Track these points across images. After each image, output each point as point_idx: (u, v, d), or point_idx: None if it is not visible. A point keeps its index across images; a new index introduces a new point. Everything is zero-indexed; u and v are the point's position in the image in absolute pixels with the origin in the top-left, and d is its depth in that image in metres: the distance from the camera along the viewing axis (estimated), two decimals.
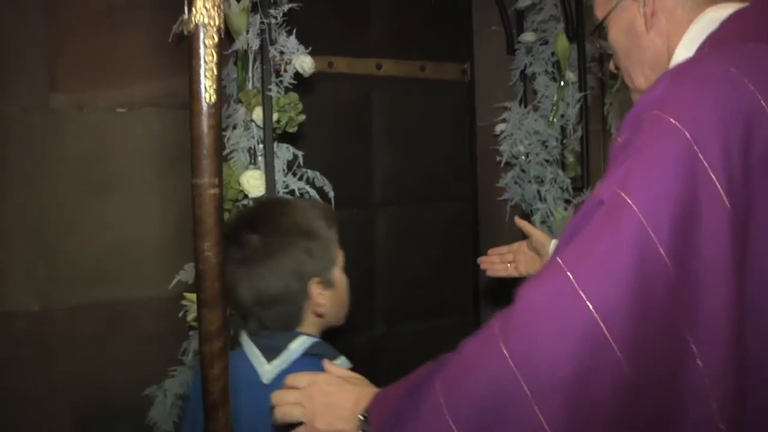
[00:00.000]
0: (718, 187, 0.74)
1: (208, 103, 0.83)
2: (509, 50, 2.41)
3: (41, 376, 1.85)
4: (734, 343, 0.74)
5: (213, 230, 0.86)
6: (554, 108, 2.27)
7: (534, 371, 0.73)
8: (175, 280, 1.70)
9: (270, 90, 1.73)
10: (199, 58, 0.82)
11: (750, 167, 0.76)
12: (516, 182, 2.34)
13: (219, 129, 0.85)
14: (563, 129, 2.28)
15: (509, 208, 2.37)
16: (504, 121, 2.33)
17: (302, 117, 1.81)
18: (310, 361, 1.27)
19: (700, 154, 0.75)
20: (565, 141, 2.28)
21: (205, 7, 0.81)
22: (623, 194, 0.74)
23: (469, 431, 0.76)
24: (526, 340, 0.74)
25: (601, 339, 0.71)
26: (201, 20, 0.82)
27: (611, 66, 1.17)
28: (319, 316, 1.35)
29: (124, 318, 1.94)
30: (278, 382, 1.18)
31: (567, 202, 2.25)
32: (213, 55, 0.83)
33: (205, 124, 0.83)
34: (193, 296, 1.66)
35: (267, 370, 1.28)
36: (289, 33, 1.77)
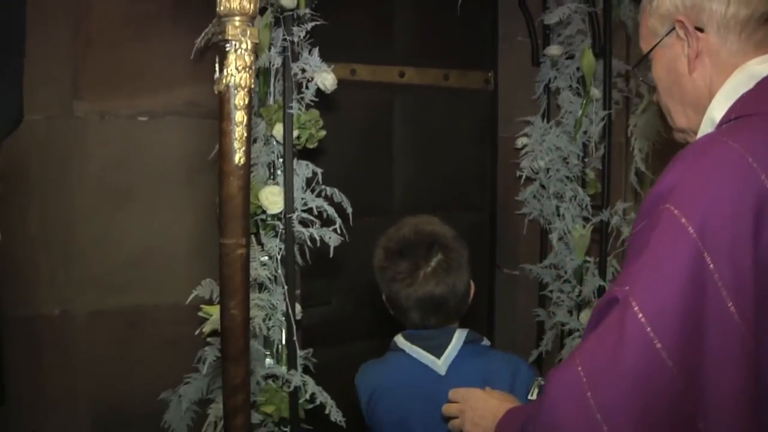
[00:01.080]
0: (724, 294, 0.77)
1: (237, 165, 0.83)
2: (534, 62, 2.38)
3: (61, 379, 1.90)
4: None
5: (240, 289, 0.87)
6: (577, 124, 2.24)
7: None
8: (192, 296, 1.71)
9: (291, 108, 1.72)
10: (230, 121, 0.82)
11: (759, 264, 0.78)
12: (535, 197, 2.33)
13: (248, 189, 0.85)
14: (585, 146, 2.26)
15: (527, 221, 2.36)
16: (526, 135, 2.31)
17: (323, 133, 1.80)
18: (468, 348, 1.48)
19: (706, 256, 0.78)
20: (587, 159, 2.25)
21: (237, 69, 0.81)
22: (631, 299, 0.79)
23: None
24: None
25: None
26: (232, 81, 0.82)
27: (654, 98, 1.15)
28: None
29: (142, 324, 1.97)
30: (451, 372, 1.44)
31: (586, 220, 2.24)
32: (243, 117, 0.83)
33: (235, 185, 0.84)
34: (210, 308, 1.68)
35: (440, 365, 1.46)
36: (312, 48, 1.75)
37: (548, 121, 2.33)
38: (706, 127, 0.99)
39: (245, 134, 0.83)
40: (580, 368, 0.80)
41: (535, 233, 2.41)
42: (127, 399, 1.95)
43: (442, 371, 1.46)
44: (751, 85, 0.94)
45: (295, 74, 1.75)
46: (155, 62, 1.92)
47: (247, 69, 0.81)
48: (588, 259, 2.24)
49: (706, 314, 0.77)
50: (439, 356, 1.47)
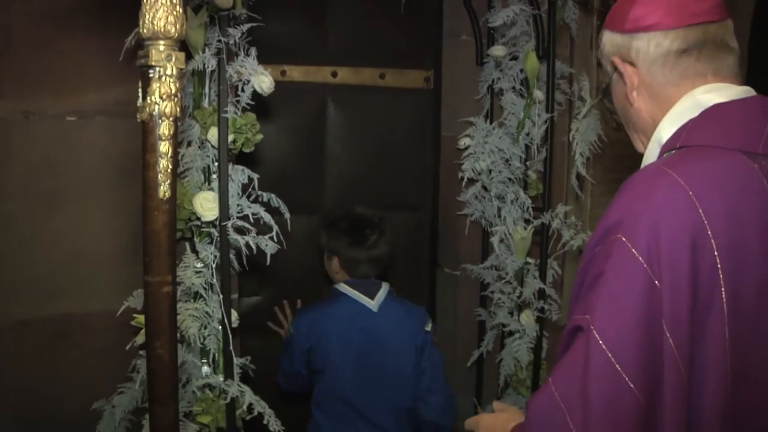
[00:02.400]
0: (665, 327, 0.85)
1: (162, 199, 0.78)
2: (478, 61, 2.37)
3: None
4: None
5: (167, 329, 0.83)
6: (520, 126, 2.24)
7: None
8: (123, 306, 1.65)
9: (226, 112, 1.66)
10: (155, 153, 0.77)
11: (697, 296, 0.87)
12: (477, 198, 2.33)
13: (174, 224, 0.80)
14: (527, 148, 2.26)
15: (469, 222, 2.36)
16: (468, 136, 2.30)
17: (259, 137, 1.75)
18: (390, 294, 2.11)
19: (657, 284, 0.86)
20: (529, 162, 2.26)
21: (161, 97, 0.76)
22: (593, 328, 0.87)
23: None
24: None
25: None
26: (156, 110, 0.76)
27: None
28: None
29: (72, 333, 1.90)
30: (381, 310, 2.06)
31: (527, 222, 2.25)
32: (169, 148, 0.78)
33: (160, 220, 0.79)
34: (143, 318, 1.62)
35: (374, 304, 2.06)
36: (249, 49, 1.69)
37: (491, 122, 2.32)
38: (653, 147, 1.08)
39: (171, 166, 0.78)
40: (556, 394, 0.89)
41: (477, 234, 2.41)
42: (57, 410, 1.87)
43: (375, 309, 2.06)
44: (696, 113, 1.03)
45: (231, 76, 1.69)
46: (84, 60, 1.81)
47: (172, 97, 0.75)
48: (529, 260, 2.26)
49: (660, 337, 0.86)
50: (372, 298, 2.07)
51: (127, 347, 1.59)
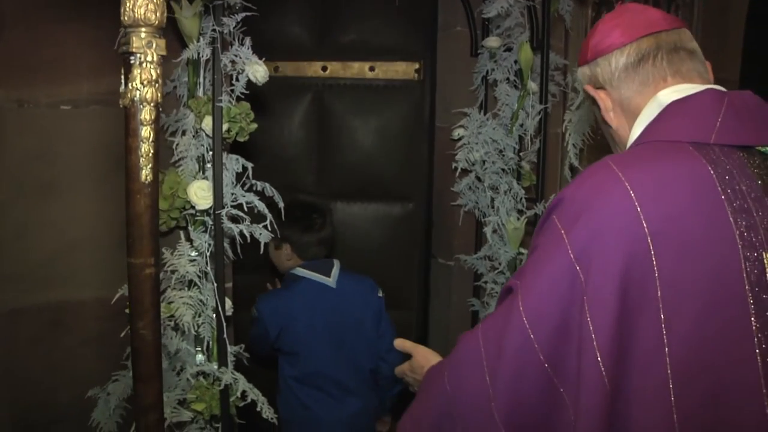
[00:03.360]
0: (586, 307, 0.90)
1: (144, 182, 0.80)
2: (473, 52, 2.37)
3: None
4: None
5: (150, 309, 0.84)
6: (514, 117, 2.25)
7: (461, 401, 1.03)
8: (118, 294, 1.66)
9: (221, 101, 1.67)
10: (137, 137, 0.78)
11: (622, 290, 0.89)
12: (471, 189, 2.34)
13: (156, 207, 0.81)
14: (521, 139, 2.27)
15: (463, 213, 2.38)
16: (462, 127, 2.31)
17: (254, 126, 1.76)
18: (343, 270, 2.28)
19: (579, 272, 0.91)
20: (522, 152, 2.27)
21: (142, 83, 0.77)
22: (519, 292, 0.96)
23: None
24: (456, 380, 1.05)
25: (486, 406, 0.96)
26: (137, 96, 0.78)
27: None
28: None
29: (67, 321, 1.91)
30: (339, 285, 2.23)
31: (520, 212, 2.26)
32: (150, 133, 0.79)
33: (142, 203, 0.80)
34: None
35: (331, 281, 2.24)
36: (243, 38, 1.70)
37: (485, 113, 2.33)
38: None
39: (152, 150, 0.79)
40: (481, 338, 1.00)
41: (470, 224, 2.43)
42: (51, 398, 1.89)
43: (334, 285, 2.24)
44: (656, 113, 1.08)
45: (225, 66, 1.69)
46: (78, 49, 1.82)
47: (153, 83, 0.77)
48: (522, 251, 2.27)
49: (573, 319, 0.92)
50: (329, 275, 2.24)
51: (122, 334, 1.60)
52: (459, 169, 2.30)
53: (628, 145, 1.11)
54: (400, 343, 1.51)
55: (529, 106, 2.22)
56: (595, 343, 0.89)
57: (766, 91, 1.14)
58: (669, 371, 0.88)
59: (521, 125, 2.26)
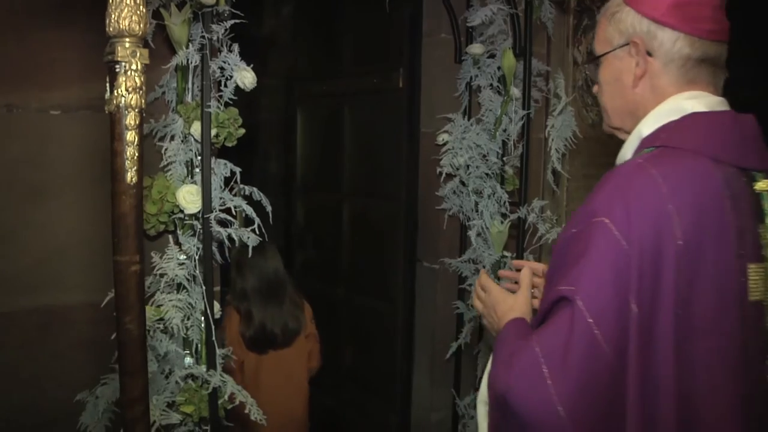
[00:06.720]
0: (630, 298, 0.98)
1: (129, 184, 0.83)
2: (457, 59, 2.42)
3: None
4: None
5: (135, 305, 0.87)
6: (497, 122, 2.29)
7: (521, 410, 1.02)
8: (108, 297, 1.68)
9: (209, 107, 1.70)
10: (122, 141, 0.82)
11: (659, 275, 0.99)
12: (455, 193, 2.37)
13: (140, 208, 0.85)
14: (504, 144, 2.32)
15: (447, 217, 2.41)
16: (446, 132, 2.35)
17: (242, 131, 1.79)
18: None
19: (627, 251, 0.99)
20: (506, 157, 2.31)
21: (127, 90, 0.81)
22: (578, 299, 0.99)
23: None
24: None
25: (553, 408, 0.98)
26: (122, 102, 0.81)
27: (594, 90, 1.30)
28: None
29: (56, 325, 1.91)
30: None
31: (503, 216, 2.30)
32: (135, 137, 0.83)
33: (127, 203, 0.84)
34: None
35: None
36: (231, 46, 1.73)
37: (469, 119, 2.37)
38: (634, 139, 1.18)
39: (137, 154, 0.82)
40: (537, 349, 1.01)
41: (454, 228, 2.46)
42: (40, 402, 1.89)
43: None
44: (677, 116, 1.12)
45: (214, 72, 1.73)
46: (68, 54, 1.84)
47: (137, 90, 0.80)
48: (506, 254, 2.31)
49: (628, 306, 0.98)
50: None
51: (113, 337, 1.61)
52: (444, 174, 2.34)
53: (638, 126, 1.16)
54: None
55: (512, 112, 2.26)
56: (637, 319, 0.98)
57: (755, 94, 1.20)
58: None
59: (504, 130, 2.30)
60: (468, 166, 2.31)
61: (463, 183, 2.35)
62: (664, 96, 1.14)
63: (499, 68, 2.29)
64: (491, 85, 2.32)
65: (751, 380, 1.05)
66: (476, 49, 2.31)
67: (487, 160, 2.31)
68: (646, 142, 1.13)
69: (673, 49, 1.12)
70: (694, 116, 1.11)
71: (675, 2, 1.11)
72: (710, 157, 1.06)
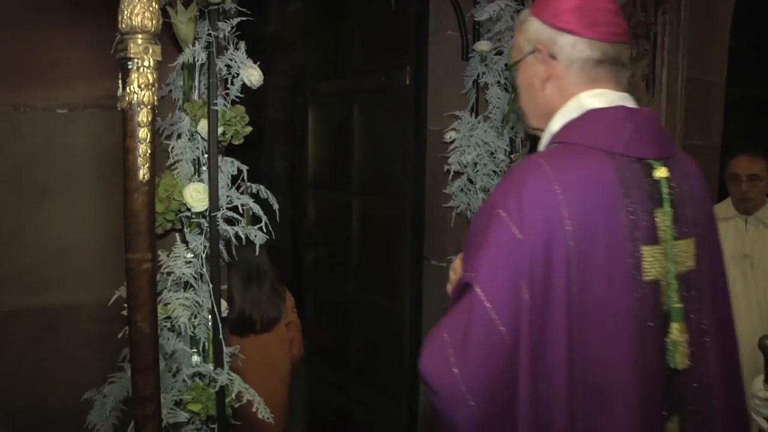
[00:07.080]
0: (524, 287, 1.06)
1: (141, 181, 0.82)
2: (464, 56, 2.41)
3: None
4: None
5: (147, 302, 0.87)
6: (505, 120, 2.29)
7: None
8: (115, 296, 1.68)
9: (216, 105, 1.69)
10: (134, 138, 0.81)
11: (550, 260, 1.07)
12: (462, 191, 2.37)
13: (153, 205, 0.84)
14: (512, 141, 2.31)
15: (455, 214, 2.40)
16: (454, 129, 2.34)
17: (248, 129, 1.78)
18: None
19: (524, 248, 1.07)
20: (513, 155, 2.30)
21: (139, 87, 0.80)
22: (476, 286, 1.06)
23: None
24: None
25: (457, 386, 1.05)
26: (135, 99, 0.80)
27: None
28: None
29: (62, 324, 1.91)
30: None
31: None
32: (147, 134, 0.82)
33: (139, 201, 0.83)
34: None
35: None
36: (237, 44, 1.72)
37: (476, 116, 2.36)
38: (546, 136, 1.26)
39: (149, 150, 0.82)
40: (444, 333, 1.08)
41: (462, 226, 2.45)
42: (47, 400, 1.89)
43: None
44: (578, 114, 1.20)
45: (220, 70, 1.72)
46: (74, 53, 1.83)
47: (149, 86, 0.80)
48: None
49: (521, 290, 1.06)
50: None
51: (120, 335, 1.62)
52: (451, 172, 2.34)
53: (549, 125, 1.23)
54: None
55: (520, 109, 2.25)
56: (530, 302, 1.07)
57: (749, 93, 1.20)
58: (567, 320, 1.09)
59: (512, 128, 2.30)
60: (475, 164, 2.31)
61: (470, 180, 2.34)
62: (569, 95, 1.22)
63: (506, 65, 2.28)
64: (498, 82, 2.31)
65: (649, 355, 1.12)
66: (483, 46, 2.30)
67: (494, 157, 2.31)
68: (554, 140, 1.22)
69: (573, 51, 1.21)
70: (591, 113, 1.19)
71: (572, 9, 1.21)
72: (603, 150, 1.14)
